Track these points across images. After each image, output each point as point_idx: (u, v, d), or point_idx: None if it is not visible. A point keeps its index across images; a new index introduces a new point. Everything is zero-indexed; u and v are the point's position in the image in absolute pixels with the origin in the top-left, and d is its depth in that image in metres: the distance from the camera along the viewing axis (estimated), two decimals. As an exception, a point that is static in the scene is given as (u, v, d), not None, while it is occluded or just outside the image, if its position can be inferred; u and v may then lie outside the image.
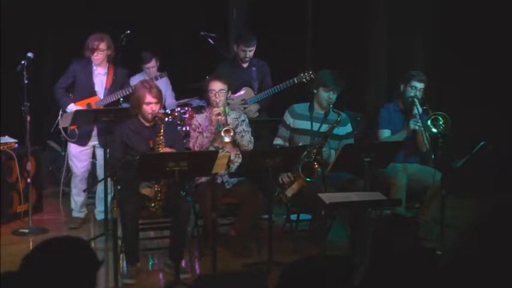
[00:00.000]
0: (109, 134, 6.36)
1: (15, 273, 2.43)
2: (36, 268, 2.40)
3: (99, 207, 6.79)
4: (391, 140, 6.21)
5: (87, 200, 6.96)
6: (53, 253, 2.42)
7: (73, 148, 6.68)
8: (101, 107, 6.53)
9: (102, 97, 6.59)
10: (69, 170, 7.01)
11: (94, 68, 6.59)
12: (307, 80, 6.88)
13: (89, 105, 6.55)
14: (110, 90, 6.59)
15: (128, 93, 6.51)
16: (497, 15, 7.60)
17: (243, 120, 6.13)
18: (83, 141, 6.63)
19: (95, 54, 6.49)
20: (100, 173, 6.76)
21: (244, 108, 6.98)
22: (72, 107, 6.53)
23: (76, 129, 6.55)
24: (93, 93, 6.59)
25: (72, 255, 2.43)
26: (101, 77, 6.62)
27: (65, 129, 6.57)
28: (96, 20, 7.92)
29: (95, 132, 6.61)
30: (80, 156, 6.68)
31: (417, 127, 6.14)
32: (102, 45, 6.49)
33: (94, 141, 6.65)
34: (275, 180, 5.76)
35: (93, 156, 6.78)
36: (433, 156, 6.02)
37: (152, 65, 7.65)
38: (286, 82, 6.98)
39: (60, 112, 6.60)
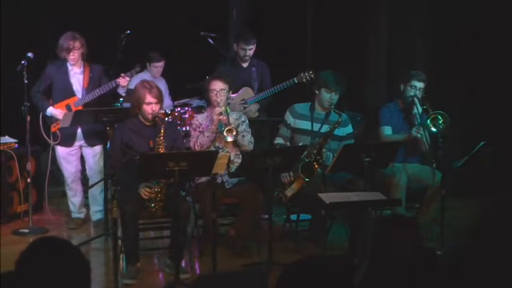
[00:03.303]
0: (96, 136, 6.38)
1: (14, 273, 2.43)
2: (30, 268, 2.40)
3: (94, 208, 6.78)
4: (392, 139, 6.21)
5: (85, 200, 6.96)
6: (42, 254, 2.43)
7: (61, 150, 6.67)
8: (80, 107, 6.52)
9: (80, 96, 6.57)
10: (58, 172, 7.00)
11: (70, 68, 6.57)
12: (307, 79, 6.88)
13: (68, 106, 6.53)
14: (88, 88, 6.56)
15: (105, 91, 6.49)
16: (497, 14, 7.60)
17: (244, 121, 6.14)
18: (68, 142, 6.62)
19: (71, 54, 6.47)
20: (90, 173, 6.75)
21: (244, 108, 6.98)
22: (51, 110, 6.52)
23: (58, 131, 6.55)
24: (72, 94, 6.56)
25: (60, 254, 2.43)
26: (77, 76, 6.60)
27: (47, 132, 6.56)
28: (96, 20, 7.92)
29: (79, 132, 6.60)
30: (68, 158, 6.68)
31: (419, 135, 6.14)
32: (77, 44, 6.47)
33: (80, 141, 6.64)
34: (275, 180, 5.76)
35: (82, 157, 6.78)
36: (434, 165, 6.01)
37: (161, 65, 7.67)
38: (287, 82, 6.97)
39: (41, 116, 6.58)
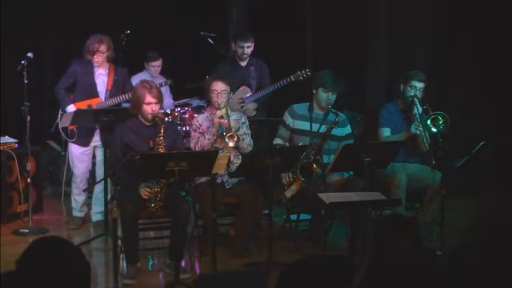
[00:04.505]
0: (110, 133, 6.36)
1: (15, 273, 2.44)
2: (30, 269, 2.40)
3: (95, 209, 6.75)
4: (391, 140, 6.21)
5: (88, 199, 6.96)
6: (43, 253, 2.43)
7: (75, 149, 6.66)
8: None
9: (103, 98, 6.58)
10: (69, 169, 7.01)
11: (95, 68, 6.57)
12: (304, 78, 6.89)
13: (89, 106, 6.54)
14: (112, 91, 6.58)
15: (129, 97, 6.51)
16: (497, 14, 7.60)
17: (244, 123, 6.13)
18: (84, 141, 6.60)
19: (95, 56, 6.47)
20: (99, 172, 6.74)
21: (242, 107, 6.98)
22: (72, 108, 6.51)
23: (75, 129, 6.54)
24: (95, 94, 6.57)
25: (60, 253, 2.44)
26: (102, 78, 6.61)
27: (65, 129, 6.56)
28: (96, 20, 7.92)
29: (97, 132, 6.59)
30: (81, 157, 6.66)
31: (418, 132, 6.14)
32: (103, 47, 6.48)
33: (96, 141, 6.63)
34: (275, 180, 5.75)
35: (93, 155, 6.78)
36: (433, 161, 6.01)
37: (158, 64, 7.70)
38: (283, 80, 6.99)
39: (60, 112, 6.59)
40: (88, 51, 6.48)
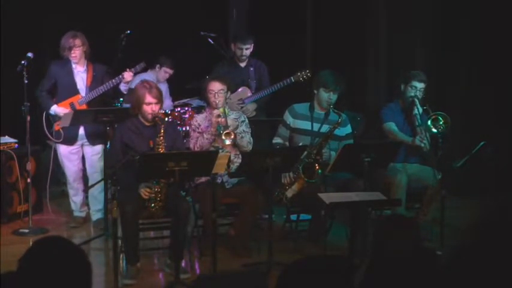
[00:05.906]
0: (98, 135, 6.38)
1: (15, 273, 2.44)
2: (32, 268, 2.40)
3: (94, 207, 6.77)
4: (398, 135, 6.21)
5: (86, 199, 6.96)
6: (44, 253, 2.43)
7: (62, 149, 6.68)
8: (84, 105, 6.55)
9: (83, 94, 6.59)
10: (59, 169, 7.01)
11: (73, 66, 6.61)
12: (304, 79, 6.90)
13: (71, 104, 6.56)
14: (91, 87, 6.60)
15: (108, 88, 6.51)
16: (498, 14, 7.60)
17: (243, 121, 6.13)
18: (70, 140, 6.64)
19: (72, 51, 6.51)
20: (90, 172, 6.75)
21: (241, 108, 6.99)
22: (55, 109, 6.55)
23: (61, 130, 6.56)
24: (76, 92, 6.60)
25: (61, 253, 2.44)
26: (81, 75, 6.64)
27: (50, 131, 6.58)
28: (96, 20, 7.92)
29: (81, 131, 6.61)
30: (69, 157, 6.69)
31: (423, 145, 6.13)
32: (77, 41, 6.52)
33: (82, 140, 6.65)
34: (275, 180, 5.75)
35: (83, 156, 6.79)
36: (438, 164, 6.01)
37: (171, 72, 7.72)
38: (283, 81, 6.99)
39: (44, 114, 6.59)
40: (64, 48, 6.53)
